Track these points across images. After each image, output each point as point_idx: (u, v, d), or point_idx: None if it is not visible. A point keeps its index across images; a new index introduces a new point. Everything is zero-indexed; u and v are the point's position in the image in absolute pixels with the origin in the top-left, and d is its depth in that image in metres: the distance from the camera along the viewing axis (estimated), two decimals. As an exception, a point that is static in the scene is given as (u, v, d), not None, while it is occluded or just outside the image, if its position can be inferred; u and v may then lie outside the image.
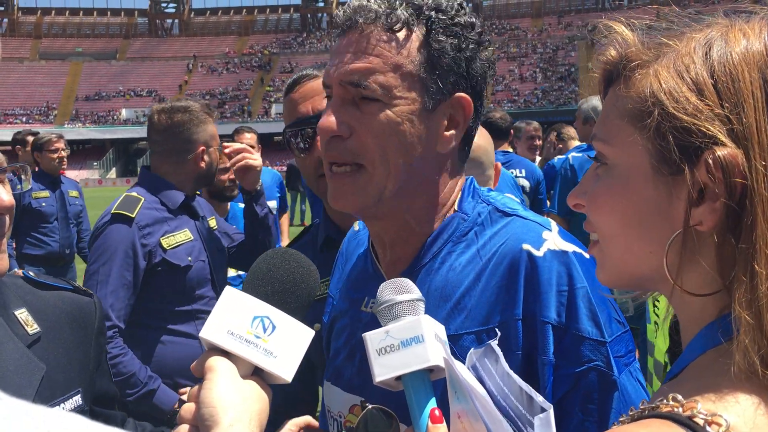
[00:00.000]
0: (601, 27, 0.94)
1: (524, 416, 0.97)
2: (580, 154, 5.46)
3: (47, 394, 1.40)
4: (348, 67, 1.18)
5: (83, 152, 76.68)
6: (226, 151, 2.94)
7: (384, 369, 1.00)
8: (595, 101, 5.38)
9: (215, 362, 0.96)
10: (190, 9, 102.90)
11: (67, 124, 77.03)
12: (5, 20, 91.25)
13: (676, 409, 0.70)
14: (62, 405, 1.43)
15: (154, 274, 2.77)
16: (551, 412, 0.94)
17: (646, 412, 0.73)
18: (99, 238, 2.76)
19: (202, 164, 2.94)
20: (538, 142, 6.96)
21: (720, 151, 0.74)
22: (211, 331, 0.98)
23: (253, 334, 0.98)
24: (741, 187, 0.74)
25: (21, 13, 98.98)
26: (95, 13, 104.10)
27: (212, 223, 3.15)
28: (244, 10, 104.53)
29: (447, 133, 1.23)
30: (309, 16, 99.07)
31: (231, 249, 3.24)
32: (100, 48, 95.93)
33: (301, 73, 1.91)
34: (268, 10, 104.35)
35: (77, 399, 1.48)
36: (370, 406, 1.08)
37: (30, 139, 6.79)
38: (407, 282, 1.07)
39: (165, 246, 2.79)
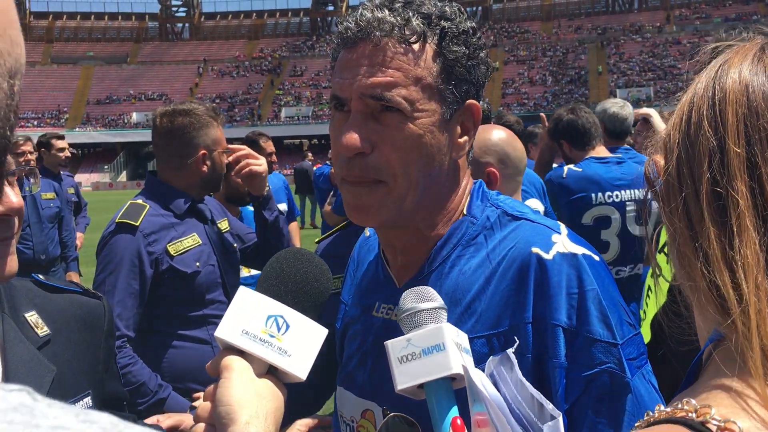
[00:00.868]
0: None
1: (535, 423, 0.98)
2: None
3: (58, 396, 1.40)
4: (369, 80, 1.15)
5: (94, 156, 77.13)
6: (230, 158, 2.92)
7: (405, 377, 1.00)
8: (607, 105, 5.32)
9: (231, 361, 0.97)
10: (200, 13, 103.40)
11: (78, 128, 77.55)
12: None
13: (690, 414, 0.70)
14: None
15: (162, 281, 2.76)
16: (560, 420, 0.94)
17: (663, 416, 0.73)
18: (105, 248, 2.75)
19: (204, 168, 2.89)
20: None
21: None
22: (225, 330, 0.99)
23: (267, 333, 0.99)
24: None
25: (33, 18, 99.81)
26: (106, 17, 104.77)
27: (224, 225, 3.12)
28: (254, 14, 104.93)
29: (461, 140, 1.24)
30: (318, 20, 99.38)
31: (246, 249, 3.21)
32: (111, 52, 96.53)
33: None
34: (278, 14, 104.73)
35: (87, 401, 1.49)
36: (391, 414, 1.08)
37: (55, 142, 6.97)
38: (429, 290, 1.07)
39: (172, 252, 2.77)
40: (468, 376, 0.98)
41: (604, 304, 1.12)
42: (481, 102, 1.27)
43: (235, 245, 3.14)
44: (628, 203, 3.97)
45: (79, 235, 7.52)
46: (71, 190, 7.45)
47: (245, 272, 4.04)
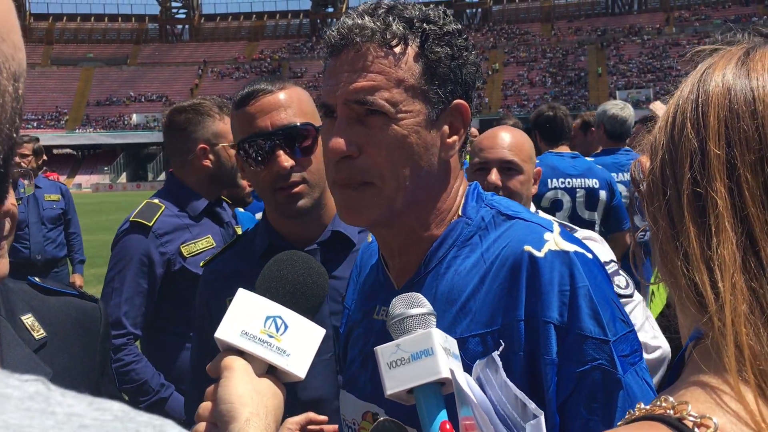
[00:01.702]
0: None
1: (519, 423, 1.00)
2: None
3: (54, 400, 1.43)
4: (352, 86, 1.19)
5: (94, 157, 77.26)
6: None
7: (395, 382, 1.01)
8: (607, 106, 5.33)
9: (231, 361, 0.99)
10: (200, 15, 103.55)
11: (78, 129, 77.63)
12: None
13: (668, 411, 0.71)
14: None
15: (174, 282, 2.75)
16: (542, 418, 0.97)
17: (642, 414, 0.74)
18: (117, 246, 2.77)
19: (207, 163, 2.84)
20: None
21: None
22: (225, 331, 1.01)
23: (266, 333, 1.01)
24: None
25: (33, 19, 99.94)
26: (106, 18, 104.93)
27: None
28: (254, 16, 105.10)
29: (449, 140, 1.26)
30: (318, 21, 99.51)
31: None
32: (111, 53, 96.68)
33: (255, 86, 1.83)
34: (277, 15, 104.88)
35: (72, 392, 1.48)
36: (381, 418, 1.10)
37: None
38: (418, 296, 1.09)
39: (185, 254, 2.77)
40: (455, 381, 0.99)
41: (596, 301, 1.13)
42: (472, 105, 1.29)
43: None
44: (578, 190, 4.51)
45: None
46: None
47: None
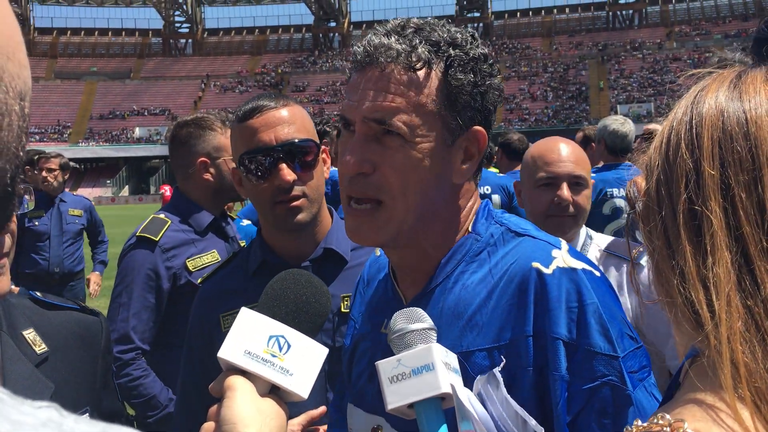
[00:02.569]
0: None
1: None
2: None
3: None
4: (372, 105, 1.20)
5: (97, 170, 77.36)
6: None
7: (396, 396, 1.02)
8: (608, 121, 5.34)
9: (234, 381, 0.98)
10: (203, 29, 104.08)
11: (81, 143, 77.83)
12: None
13: (665, 429, 0.72)
14: None
15: (181, 296, 2.76)
16: None
17: (640, 431, 0.74)
18: (123, 260, 2.77)
19: (208, 176, 2.86)
20: None
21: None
22: (228, 351, 1.00)
23: (269, 353, 1.01)
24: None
25: (37, 33, 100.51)
26: (110, 33, 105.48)
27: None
28: (257, 30, 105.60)
29: (464, 167, 1.27)
30: (321, 35, 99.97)
31: None
32: (114, 67, 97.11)
33: (259, 102, 1.84)
34: (280, 29, 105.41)
35: (86, 418, 1.48)
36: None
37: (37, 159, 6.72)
38: (419, 311, 1.10)
39: (191, 268, 2.78)
40: (456, 395, 1.00)
41: (605, 318, 1.14)
42: (490, 129, 1.29)
43: None
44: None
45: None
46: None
47: None
